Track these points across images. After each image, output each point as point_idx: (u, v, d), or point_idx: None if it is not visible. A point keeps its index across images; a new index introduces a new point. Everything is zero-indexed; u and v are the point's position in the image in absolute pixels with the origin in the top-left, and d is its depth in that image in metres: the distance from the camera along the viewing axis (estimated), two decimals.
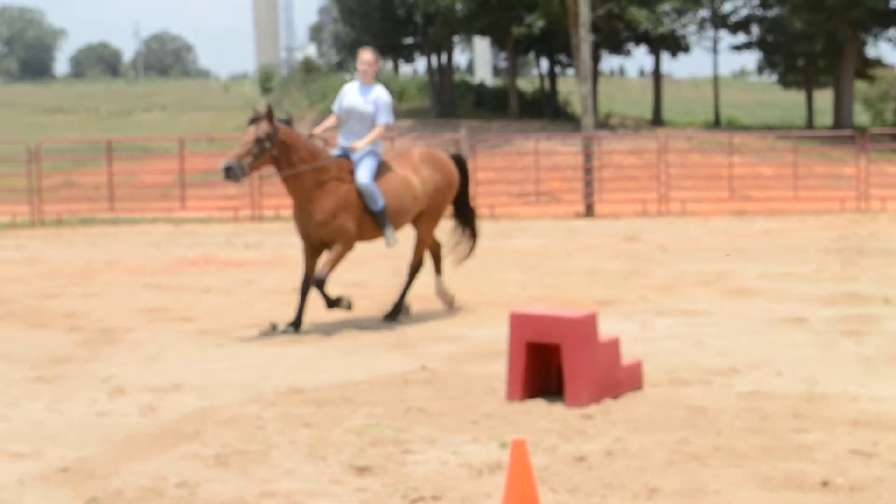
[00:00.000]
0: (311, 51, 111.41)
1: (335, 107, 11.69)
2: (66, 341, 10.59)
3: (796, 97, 76.19)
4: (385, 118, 11.39)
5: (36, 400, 8.18)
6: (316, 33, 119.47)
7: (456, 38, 66.44)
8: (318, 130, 11.75)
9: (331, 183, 11.05)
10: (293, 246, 19.23)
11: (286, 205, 26.09)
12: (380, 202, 11.15)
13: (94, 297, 13.67)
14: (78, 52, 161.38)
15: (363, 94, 11.45)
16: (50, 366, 9.41)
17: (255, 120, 10.74)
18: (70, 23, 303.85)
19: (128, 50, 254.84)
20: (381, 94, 11.48)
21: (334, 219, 10.95)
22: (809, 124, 61.97)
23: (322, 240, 11.04)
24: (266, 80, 78.71)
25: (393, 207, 11.31)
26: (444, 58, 63.95)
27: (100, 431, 7.24)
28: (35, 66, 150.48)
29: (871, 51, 62.69)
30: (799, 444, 6.72)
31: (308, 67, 79.14)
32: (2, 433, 7.23)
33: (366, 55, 11.52)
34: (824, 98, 72.32)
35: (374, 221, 11.26)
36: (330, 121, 11.78)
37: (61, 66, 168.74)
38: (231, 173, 10.45)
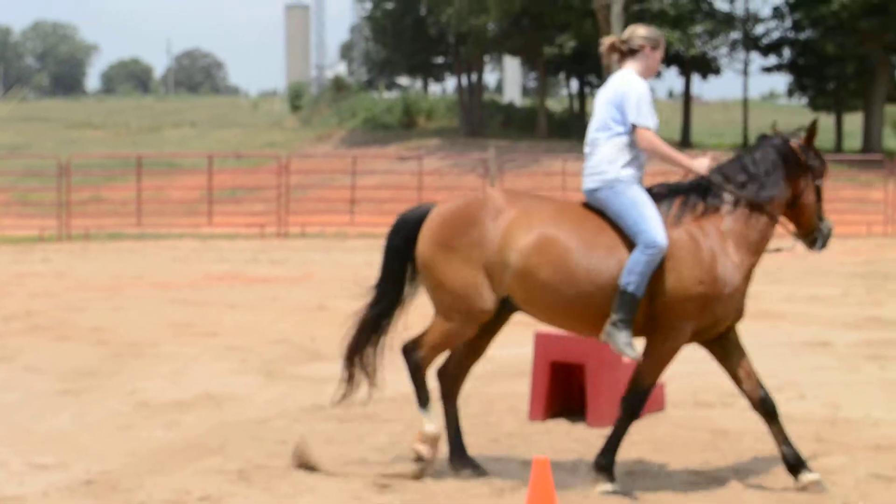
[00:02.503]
0: (342, 69, 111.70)
1: None
2: (92, 355, 10.66)
3: (826, 120, 76.03)
4: None
5: (61, 412, 8.24)
6: (347, 52, 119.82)
7: (486, 58, 66.60)
8: None
9: None
10: (318, 263, 19.35)
11: (312, 221, 26.32)
12: None
13: (120, 310, 13.75)
14: (109, 67, 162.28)
15: None
16: (76, 378, 9.48)
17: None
18: (102, 38, 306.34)
19: (159, 66, 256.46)
20: None
21: None
22: (838, 148, 61.75)
23: None
24: (296, 98, 78.94)
25: None
26: (473, 77, 64.11)
27: (124, 445, 7.30)
28: (67, 81, 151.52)
29: None
30: (821, 468, 6.73)
31: (338, 85, 79.33)
32: (28, 445, 7.30)
33: None
34: (854, 121, 72.08)
35: None
36: None
37: (93, 81, 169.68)
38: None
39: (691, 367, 9.80)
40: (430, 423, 6.64)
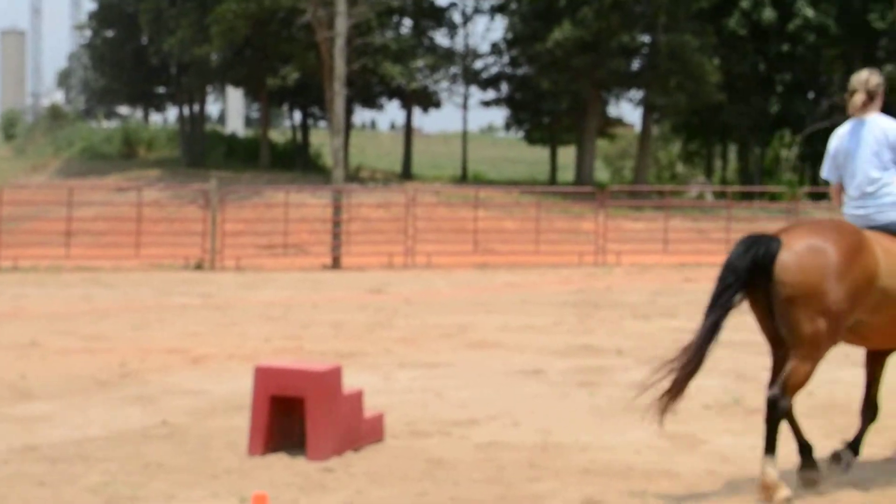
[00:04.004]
0: (59, 97, 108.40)
1: None
2: None
3: (541, 153, 78.49)
4: None
5: None
6: (64, 79, 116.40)
7: (209, 88, 65.91)
8: None
9: None
10: (31, 297, 18.67)
11: (25, 255, 25.37)
12: None
13: None
14: None
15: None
16: None
17: None
18: None
19: None
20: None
21: None
22: (552, 180, 63.89)
23: None
24: (10, 126, 76.23)
25: None
26: (195, 107, 63.33)
27: None
28: None
29: (613, 110, 65.26)
30: (533, 494, 6.95)
31: (55, 114, 77.05)
32: None
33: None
34: (567, 155, 74.71)
35: None
36: None
37: None
38: None
39: (411, 396, 9.97)
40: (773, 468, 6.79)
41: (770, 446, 6.83)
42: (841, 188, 7.77)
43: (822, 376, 11.12)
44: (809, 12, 54.96)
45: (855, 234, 7.05)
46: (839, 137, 7.75)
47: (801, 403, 9.70)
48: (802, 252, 6.84)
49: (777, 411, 6.84)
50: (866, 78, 7.59)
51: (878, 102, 7.62)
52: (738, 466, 7.66)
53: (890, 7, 53.52)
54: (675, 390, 6.98)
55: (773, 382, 6.99)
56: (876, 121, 7.53)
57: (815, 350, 6.88)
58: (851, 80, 7.66)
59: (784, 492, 6.73)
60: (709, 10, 53.23)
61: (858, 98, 7.54)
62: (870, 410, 7.71)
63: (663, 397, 6.99)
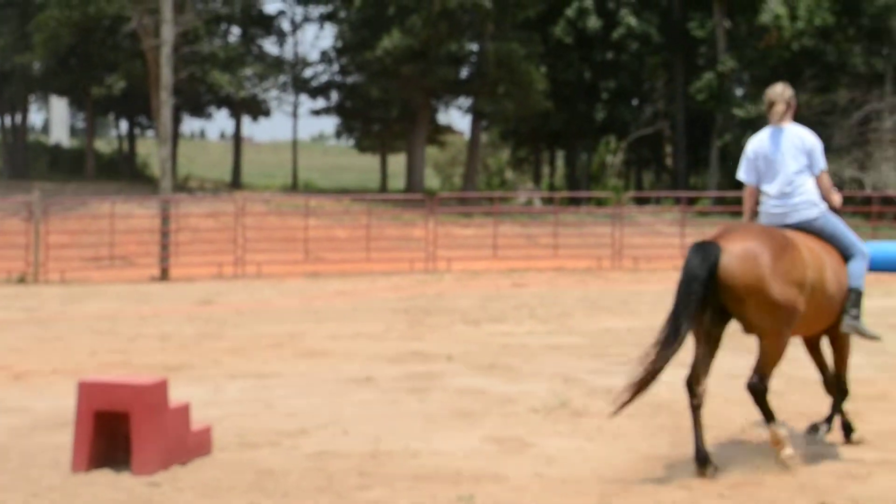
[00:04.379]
0: None
1: None
2: None
3: (372, 161, 78.65)
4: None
5: None
6: None
7: (32, 98, 64.17)
8: None
9: None
10: None
11: None
12: None
13: None
14: None
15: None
16: None
17: None
18: None
19: None
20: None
21: None
22: (383, 188, 64.05)
23: None
24: None
25: None
26: (18, 117, 61.57)
27: None
28: None
29: (443, 118, 65.83)
30: (363, 501, 6.97)
31: None
32: None
33: None
34: (398, 162, 74.98)
35: None
36: None
37: None
38: None
39: (240, 407, 9.88)
40: (782, 428, 7.80)
41: (769, 417, 7.77)
42: (756, 189, 8.70)
43: None
44: (633, 21, 56.28)
45: (782, 234, 7.93)
46: (759, 143, 8.64)
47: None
48: (741, 255, 7.63)
49: (760, 392, 7.73)
50: (782, 90, 8.58)
51: (792, 112, 8.63)
52: (566, 468, 7.78)
53: (709, 16, 55.17)
54: (637, 390, 7.62)
55: (692, 375, 7.84)
56: (793, 129, 8.54)
57: (777, 337, 7.77)
58: (769, 93, 8.62)
59: (788, 450, 7.69)
60: (535, 18, 54.04)
61: (780, 108, 8.52)
62: (834, 389, 8.78)
63: (624, 394, 7.60)
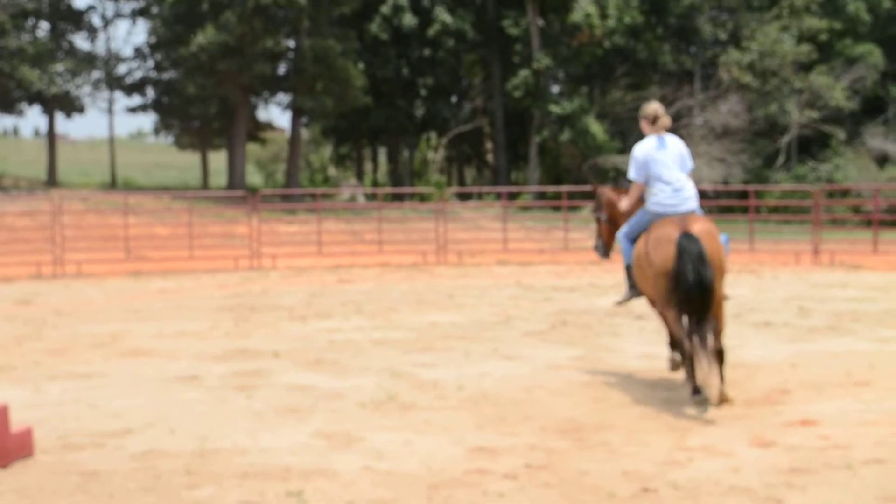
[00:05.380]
0: None
1: None
2: None
3: (193, 158, 77.64)
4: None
5: None
6: None
7: None
8: None
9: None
10: None
11: None
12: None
13: None
14: None
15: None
16: None
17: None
18: None
19: None
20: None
21: None
22: (205, 185, 63.29)
23: None
24: None
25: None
26: None
27: None
28: None
29: (262, 114, 65.29)
30: (191, 500, 6.90)
31: None
32: None
33: None
34: (220, 159, 74.14)
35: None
36: None
37: None
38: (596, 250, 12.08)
39: (63, 408, 9.67)
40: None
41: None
42: (643, 186, 10.47)
43: (471, 369, 11.57)
44: (447, 18, 56.80)
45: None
46: (648, 149, 10.37)
47: (452, 398, 10.07)
48: (712, 240, 9.69)
49: (723, 351, 9.59)
50: (659, 105, 10.61)
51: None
52: (394, 461, 7.84)
53: (523, 15, 55.98)
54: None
55: (676, 341, 10.23)
56: (671, 137, 10.49)
57: (722, 305, 9.82)
58: (655, 108, 10.52)
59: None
60: (351, 15, 54.14)
61: (665, 121, 10.45)
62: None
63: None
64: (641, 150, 10.36)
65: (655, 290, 9.96)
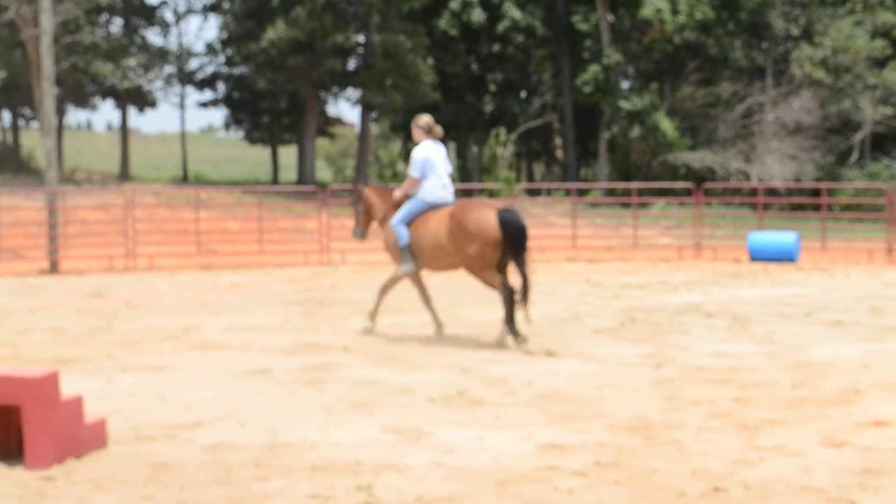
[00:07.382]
0: None
1: None
2: None
3: (262, 153, 78.08)
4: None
5: None
6: None
7: None
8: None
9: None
10: None
11: None
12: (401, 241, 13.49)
13: None
14: None
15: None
16: None
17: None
18: None
19: None
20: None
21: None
22: (275, 180, 63.67)
23: None
24: None
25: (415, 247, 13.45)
26: None
27: None
28: None
29: (332, 109, 65.59)
30: (261, 493, 6.94)
31: None
32: None
33: None
34: (289, 154, 74.52)
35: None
36: None
37: None
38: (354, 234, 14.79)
39: (135, 400, 9.77)
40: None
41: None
42: (418, 182, 13.25)
43: (541, 366, 11.52)
44: (517, 14, 56.60)
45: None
46: (427, 151, 13.23)
47: (522, 394, 10.04)
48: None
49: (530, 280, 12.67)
50: (430, 118, 13.51)
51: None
52: (464, 456, 7.84)
53: (593, 10, 55.71)
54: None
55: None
56: (440, 145, 13.48)
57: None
58: (422, 120, 13.44)
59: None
60: (420, 10, 54.11)
61: (438, 130, 13.41)
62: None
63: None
64: (422, 152, 13.23)
65: (476, 255, 12.58)
